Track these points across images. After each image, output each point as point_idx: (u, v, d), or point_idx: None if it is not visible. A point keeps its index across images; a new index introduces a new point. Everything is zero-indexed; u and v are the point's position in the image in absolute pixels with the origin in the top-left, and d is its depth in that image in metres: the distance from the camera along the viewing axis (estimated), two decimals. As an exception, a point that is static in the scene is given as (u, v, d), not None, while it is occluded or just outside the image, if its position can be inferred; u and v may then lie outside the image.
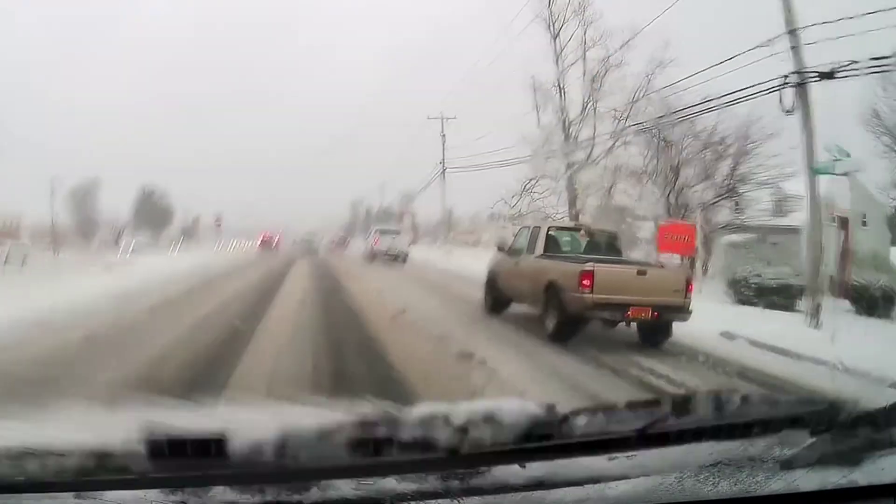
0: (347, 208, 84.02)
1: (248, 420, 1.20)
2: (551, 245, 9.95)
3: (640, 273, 8.33)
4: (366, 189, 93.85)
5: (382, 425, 1.16)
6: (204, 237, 56.70)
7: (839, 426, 1.43)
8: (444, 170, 41.21)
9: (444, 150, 41.40)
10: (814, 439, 1.39)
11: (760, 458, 1.32)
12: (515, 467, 1.24)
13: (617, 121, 22.94)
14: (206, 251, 36.77)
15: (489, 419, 1.18)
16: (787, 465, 1.32)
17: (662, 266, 9.83)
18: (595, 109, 23.58)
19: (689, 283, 8.39)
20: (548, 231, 10.16)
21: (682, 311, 8.17)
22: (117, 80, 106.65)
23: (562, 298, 8.28)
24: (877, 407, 1.44)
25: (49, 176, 46.35)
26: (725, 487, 1.29)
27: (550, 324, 8.51)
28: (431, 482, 1.17)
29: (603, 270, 8.15)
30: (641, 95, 22.07)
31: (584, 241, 10.22)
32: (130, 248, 33.76)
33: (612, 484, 1.28)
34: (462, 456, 1.18)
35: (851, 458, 1.37)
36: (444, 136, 41.66)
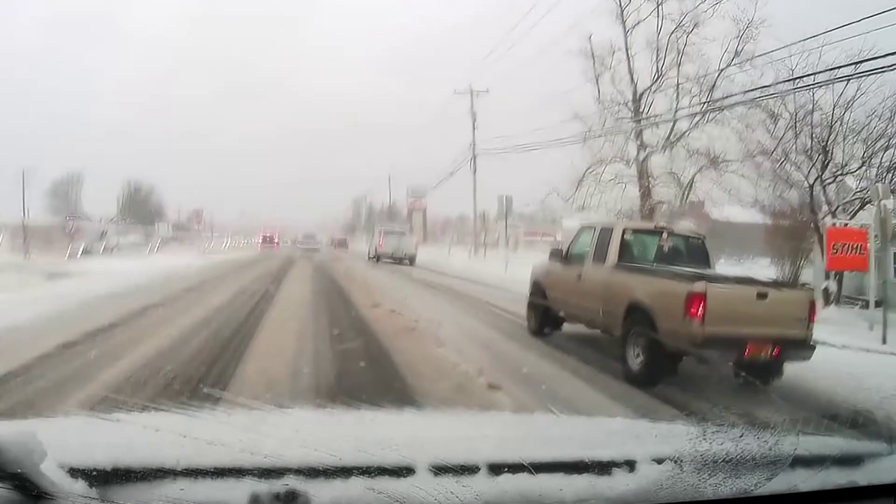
0: (349, 206, 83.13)
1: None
2: (626, 251, 8.33)
3: (760, 296, 6.68)
4: (369, 183, 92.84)
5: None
6: (198, 235, 56.42)
7: (840, 427, 1.50)
8: (475, 155, 35.45)
9: (474, 130, 35.88)
10: (814, 439, 1.46)
11: (760, 457, 1.39)
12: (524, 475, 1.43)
13: (705, 89, 19.46)
14: (192, 252, 34.77)
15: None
16: (787, 465, 1.39)
17: (785, 285, 8.02)
18: (679, 70, 20.03)
19: (812, 309, 6.92)
20: (623, 233, 8.46)
21: (804, 347, 6.69)
22: (114, 76, 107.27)
23: (655, 328, 6.76)
24: (877, 408, 1.51)
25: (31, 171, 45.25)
26: (725, 487, 1.43)
27: (634, 361, 6.99)
28: None
29: (719, 292, 6.50)
30: (738, 59, 18.53)
31: (665, 247, 8.50)
32: (101, 249, 31.61)
33: (612, 484, 1.35)
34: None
35: (851, 458, 1.43)
36: (474, 113, 36.18)
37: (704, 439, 1.55)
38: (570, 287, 8.78)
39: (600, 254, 8.36)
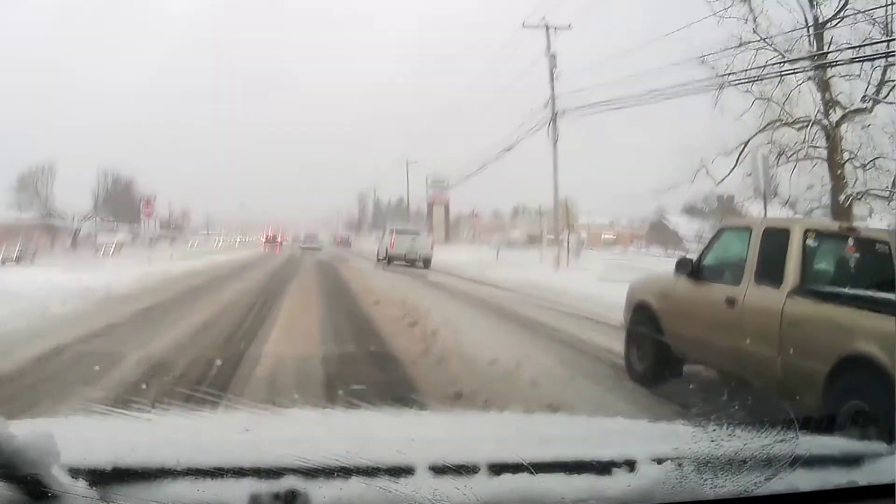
0: (354, 201, 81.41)
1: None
2: (810, 267, 6.03)
3: None
4: (379, 176, 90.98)
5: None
6: (194, 232, 55.72)
7: (839, 426, 1.57)
8: (555, 115, 26.55)
9: (553, 80, 27.03)
10: (814, 439, 1.52)
11: (761, 457, 1.45)
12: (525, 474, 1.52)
13: None
14: (170, 253, 31.94)
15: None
16: (787, 465, 1.45)
17: None
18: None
19: None
20: (805, 239, 6.03)
21: None
22: (113, 67, 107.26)
23: None
24: (876, 407, 1.57)
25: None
26: (725, 487, 1.51)
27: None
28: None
29: None
30: None
31: (851, 259, 6.17)
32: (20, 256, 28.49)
33: (612, 484, 1.41)
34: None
35: (851, 458, 1.49)
36: (553, 56, 27.11)
37: (704, 439, 1.61)
38: (709, 318, 6.46)
39: (768, 269, 6.02)
